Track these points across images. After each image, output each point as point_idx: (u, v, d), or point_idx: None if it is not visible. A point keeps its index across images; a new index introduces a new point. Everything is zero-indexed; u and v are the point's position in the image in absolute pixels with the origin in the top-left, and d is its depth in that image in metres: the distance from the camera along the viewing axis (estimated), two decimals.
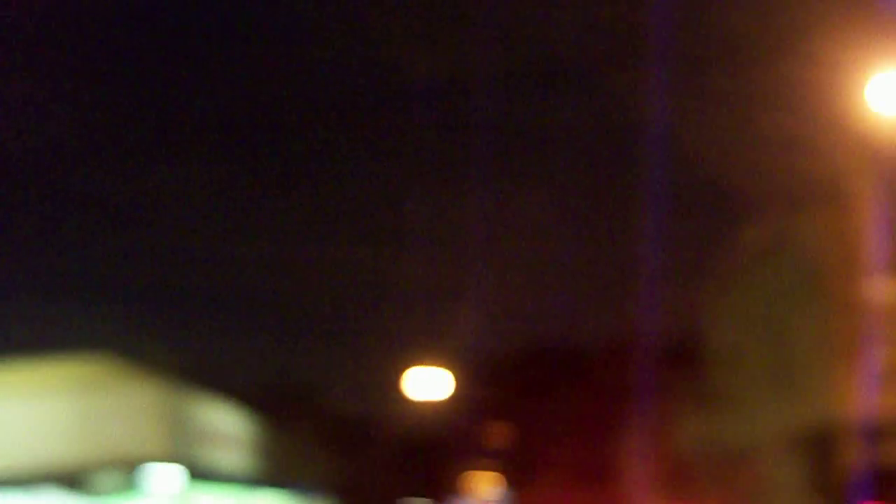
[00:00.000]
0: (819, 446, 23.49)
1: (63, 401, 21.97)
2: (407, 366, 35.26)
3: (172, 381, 23.43)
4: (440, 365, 34.87)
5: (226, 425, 27.67)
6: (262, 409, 33.57)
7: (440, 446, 50.09)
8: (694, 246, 31.42)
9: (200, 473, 23.28)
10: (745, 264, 26.53)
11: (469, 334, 35.40)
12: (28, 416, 21.93)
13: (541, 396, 36.94)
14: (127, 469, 21.02)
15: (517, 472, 44.87)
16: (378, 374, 38.82)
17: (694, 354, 29.35)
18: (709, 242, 29.99)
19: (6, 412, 21.99)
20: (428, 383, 35.38)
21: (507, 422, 41.90)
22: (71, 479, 20.97)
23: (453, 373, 35.11)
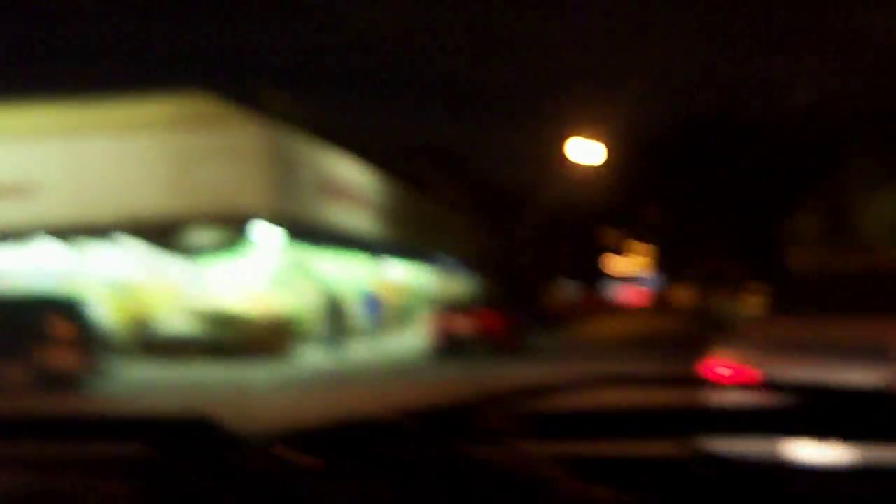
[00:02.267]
0: None
1: (154, 140, 18.89)
2: (561, 137, 32.75)
3: (288, 126, 20.02)
4: (595, 137, 32.50)
5: (350, 182, 24.20)
6: (398, 171, 29.90)
7: (591, 221, 45.49)
8: None
9: (314, 232, 20.62)
10: None
11: (626, 109, 32.28)
12: (115, 156, 19.22)
13: (698, 173, 34.66)
14: (225, 223, 18.43)
15: (669, 252, 42.50)
16: (531, 144, 36.09)
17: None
18: None
19: (88, 152, 19.36)
20: (582, 153, 33.24)
21: (658, 200, 39.41)
22: (161, 232, 18.50)
23: (608, 145, 32.81)
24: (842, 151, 28.74)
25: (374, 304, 26.05)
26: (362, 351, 21.65)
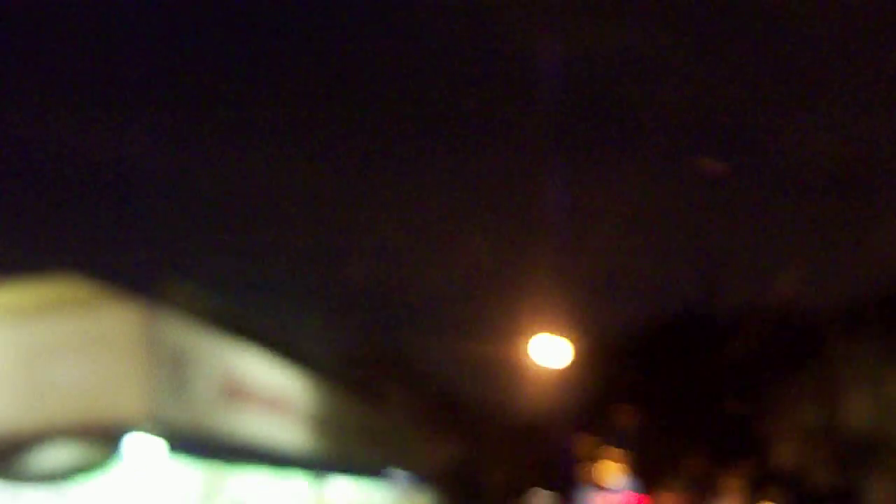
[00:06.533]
0: None
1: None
2: (525, 338, 30.22)
3: (182, 316, 16.18)
4: (561, 336, 30.06)
5: (273, 387, 19.94)
6: (343, 378, 26.60)
7: (560, 429, 43.34)
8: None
9: (218, 447, 16.44)
10: None
11: (591, 310, 31.01)
12: None
13: (669, 375, 32.63)
14: (90, 437, 14.01)
15: (645, 459, 39.83)
16: (492, 347, 33.58)
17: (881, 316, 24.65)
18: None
19: None
20: (548, 355, 30.42)
21: (632, 402, 36.98)
22: (3, 453, 13.92)
23: (576, 344, 30.41)
24: (828, 341, 27.13)
25: None
26: None
